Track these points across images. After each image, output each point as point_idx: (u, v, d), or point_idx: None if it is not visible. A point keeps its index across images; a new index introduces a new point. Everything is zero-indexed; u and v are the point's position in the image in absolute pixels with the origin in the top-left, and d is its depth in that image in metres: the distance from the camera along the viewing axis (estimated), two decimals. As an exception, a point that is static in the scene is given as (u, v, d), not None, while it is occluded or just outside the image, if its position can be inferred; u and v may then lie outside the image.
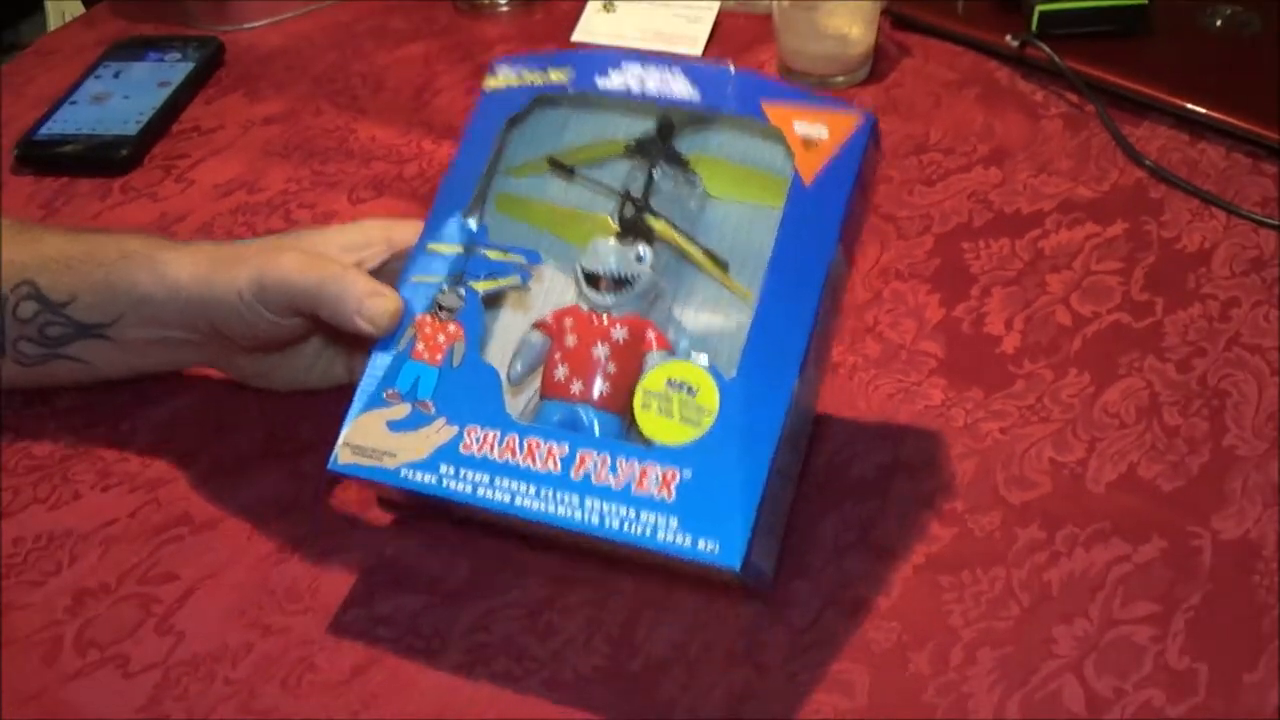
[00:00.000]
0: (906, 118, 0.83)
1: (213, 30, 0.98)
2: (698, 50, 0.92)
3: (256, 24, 1.00)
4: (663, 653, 0.52)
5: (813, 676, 0.51)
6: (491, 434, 0.49)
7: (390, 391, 0.50)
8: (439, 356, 0.51)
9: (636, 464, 0.47)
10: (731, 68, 0.53)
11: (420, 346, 0.51)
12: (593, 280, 0.52)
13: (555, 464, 0.48)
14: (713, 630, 0.53)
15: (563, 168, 0.56)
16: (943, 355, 0.65)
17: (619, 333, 0.51)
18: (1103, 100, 0.81)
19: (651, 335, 0.52)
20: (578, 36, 0.95)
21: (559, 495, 0.47)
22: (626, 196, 0.53)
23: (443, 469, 0.49)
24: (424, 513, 0.57)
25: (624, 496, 0.46)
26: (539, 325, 0.53)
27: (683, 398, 0.48)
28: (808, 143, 0.51)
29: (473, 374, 0.50)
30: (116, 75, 0.91)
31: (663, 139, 0.54)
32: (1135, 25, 0.86)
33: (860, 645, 0.52)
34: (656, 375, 0.49)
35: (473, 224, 0.54)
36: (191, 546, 0.58)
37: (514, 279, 0.53)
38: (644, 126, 0.55)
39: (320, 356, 0.61)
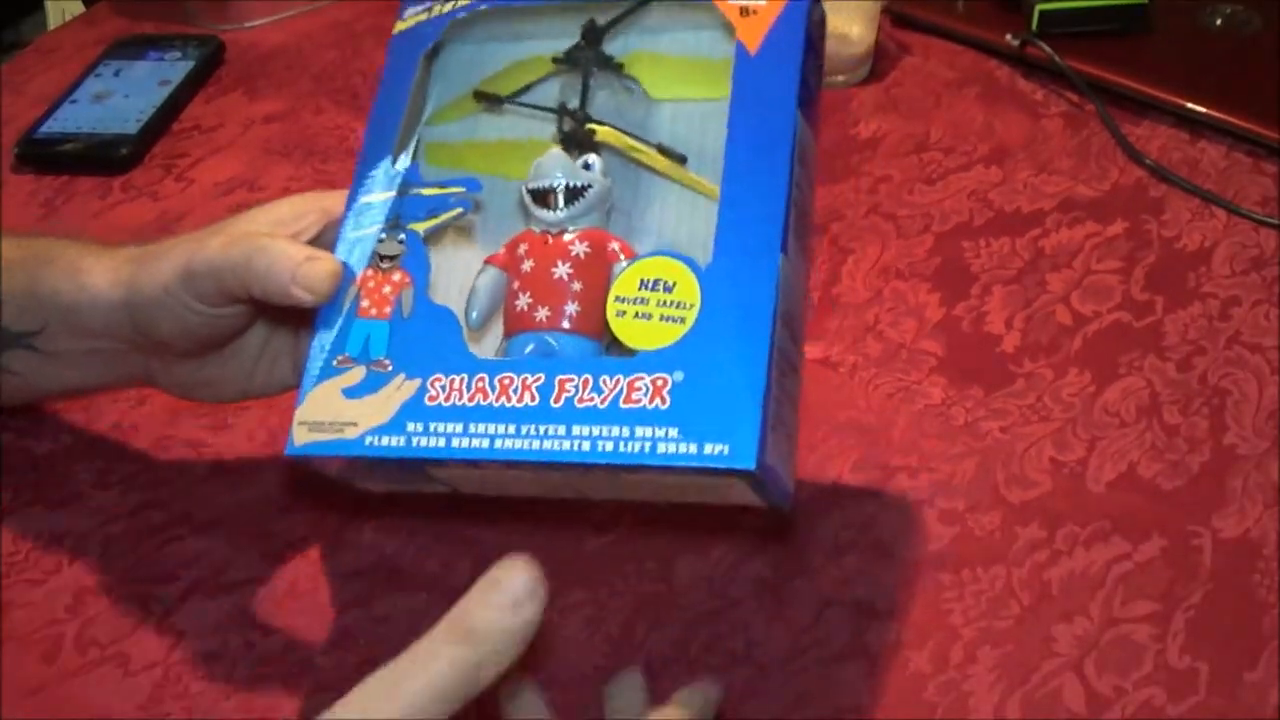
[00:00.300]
0: (906, 117, 0.83)
1: (213, 29, 0.98)
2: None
3: (257, 23, 1.00)
4: (663, 652, 0.52)
5: (813, 676, 0.51)
6: (458, 379, 0.44)
7: (341, 357, 0.46)
8: (387, 309, 0.46)
9: (622, 378, 0.42)
10: None
11: (366, 303, 0.47)
12: (541, 197, 0.47)
13: (532, 396, 0.43)
14: (713, 630, 0.53)
15: (489, 97, 0.52)
16: (943, 354, 0.65)
17: (579, 248, 0.47)
18: (1103, 99, 0.81)
19: (615, 245, 0.47)
20: (578, 35, 0.95)
21: (542, 430, 0.42)
22: (563, 110, 0.50)
23: (410, 427, 0.44)
24: (407, 502, 0.53)
25: (613, 415, 0.42)
26: (490, 260, 0.49)
27: (660, 296, 0.44)
28: (745, 10, 0.47)
29: (426, 320, 0.46)
30: (117, 74, 0.91)
31: (590, 44, 0.50)
32: (1135, 24, 0.86)
33: (860, 645, 0.52)
34: (628, 278, 0.45)
35: (401, 165, 0.50)
36: (191, 546, 0.58)
37: (455, 211, 0.48)
38: (567, 40, 0.51)
39: (263, 354, 0.56)
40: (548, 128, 0.51)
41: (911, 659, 0.51)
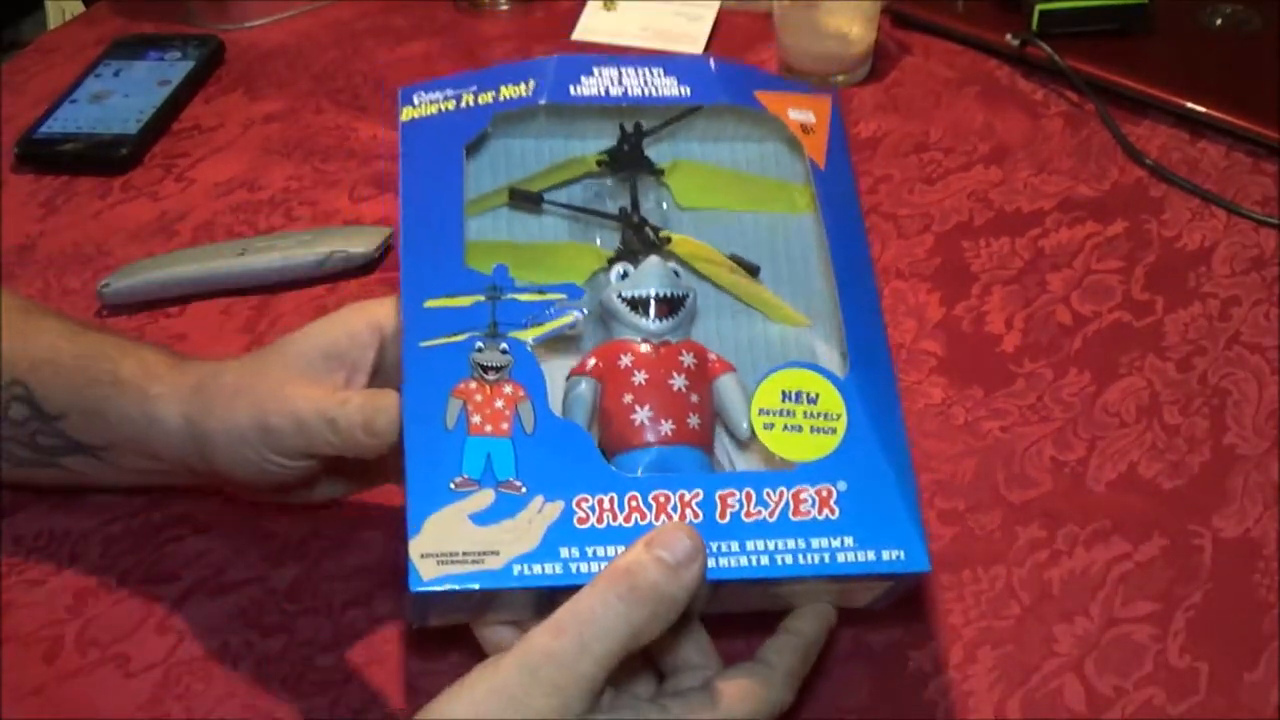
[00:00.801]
0: (907, 116, 0.83)
1: (213, 29, 0.98)
2: (698, 49, 0.92)
3: (257, 22, 0.99)
4: (663, 652, 0.52)
5: (813, 676, 0.51)
6: (606, 499, 0.41)
7: (459, 480, 0.41)
8: (505, 425, 0.42)
9: (785, 490, 0.42)
10: (711, 61, 0.51)
11: (477, 419, 0.42)
12: (642, 306, 0.46)
13: (694, 513, 0.42)
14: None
15: (527, 196, 0.50)
16: (943, 354, 0.65)
17: (687, 359, 0.46)
18: (1103, 99, 0.81)
19: (713, 357, 0.47)
20: (578, 35, 0.95)
21: (715, 546, 0.41)
22: (627, 217, 0.49)
23: (564, 553, 0.40)
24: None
25: (785, 528, 0.42)
26: (580, 372, 0.46)
27: (806, 408, 0.44)
28: (805, 128, 0.50)
29: (553, 435, 0.43)
30: (117, 74, 0.91)
31: (631, 146, 0.50)
32: (1135, 24, 0.86)
33: (860, 645, 0.52)
34: (767, 390, 0.44)
35: (482, 266, 0.46)
36: (191, 546, 0.58)
37: (570, 317, 0.45)
38: (597, 140, 0.51)
39: (329, 482, 0.55)
40: (586, 230, 0.51)
41: (911, 659, 0.51)
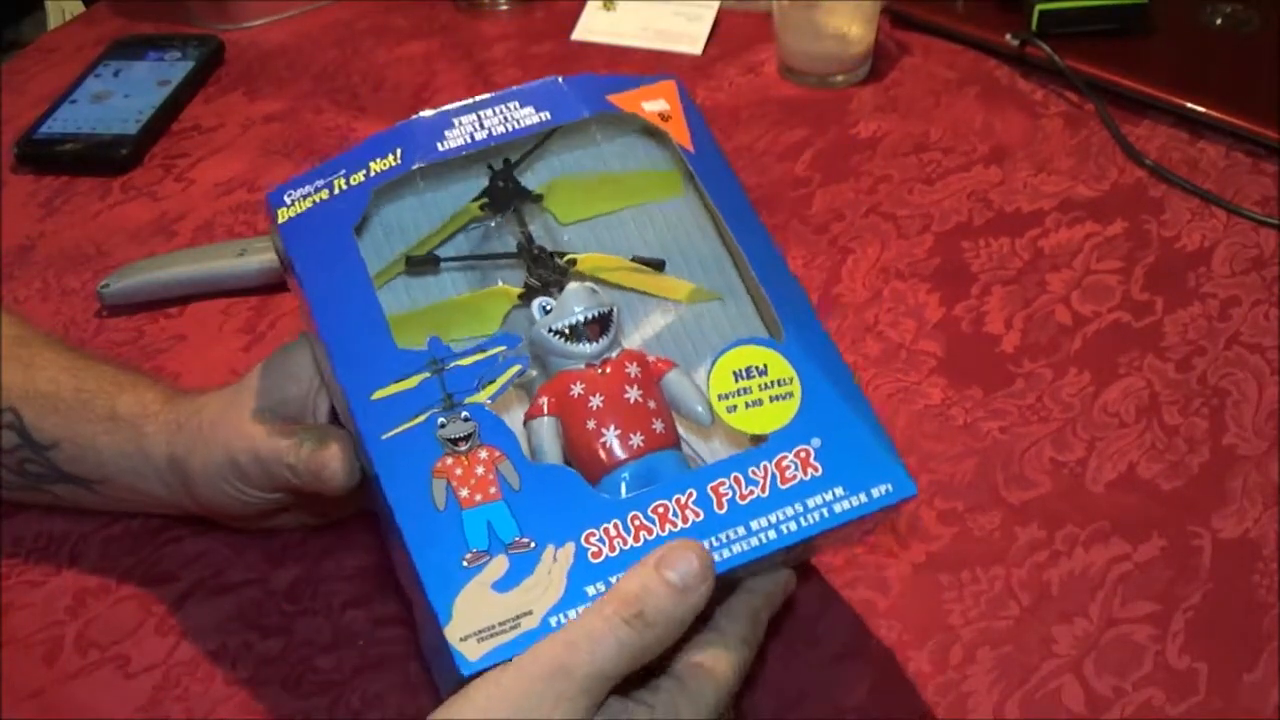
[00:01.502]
0: (906, 117, 0.83)
1: (213, 29, 0.98)
2: (698, 49, 0.92)
3: (256, 22, 1.00)
4: (663, 652, 0.52)
5: (813, 676, 0.51)
6: (611, 526, 0.42)
7: (469, 555, 0.42)
8: (493, 490, 0.43)
9: (767, 464, 0.44)
10: (559, 79, 0.51)
11: (465, 492, 0.43)
12: (574, 333, 0.46)
13: (695, 513, 0.43)
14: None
15: (424, 260, 0.51)
16: (942, 354, 0.65)
17: (632, 369, 0.47)
18: (1103, 99, 0.81)
19: (652, 359, 0.48)
20: (577, 35, 0.95)
21: (725, 536, 0.42)
22: (527, 249, 0.50)
23: (591, 591, 0.41)
24: None
25: (780, 498, 0.43)
26: (534, 414, 0.46)
27: (760, 381, 0.45)
28: (663, 116, 0.51)
29: (541, 484, 0.43)
30: (116, 74, 0.91)
31: (506, 179, 0.51)
32: (1135, 24, 0.86)
33: (860, 645, 0.52)
34: (719, 375, 0.46)
35: (409, 340, 0.46)
36: (191, 546, 0.58)
37: (514, 369, 0.46)
38: (475, 185, 0.52)
39: (310, 509, 0.57)
40: (480, 276, 0.51)
41: (911, 659, 0.51)
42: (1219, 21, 0.87)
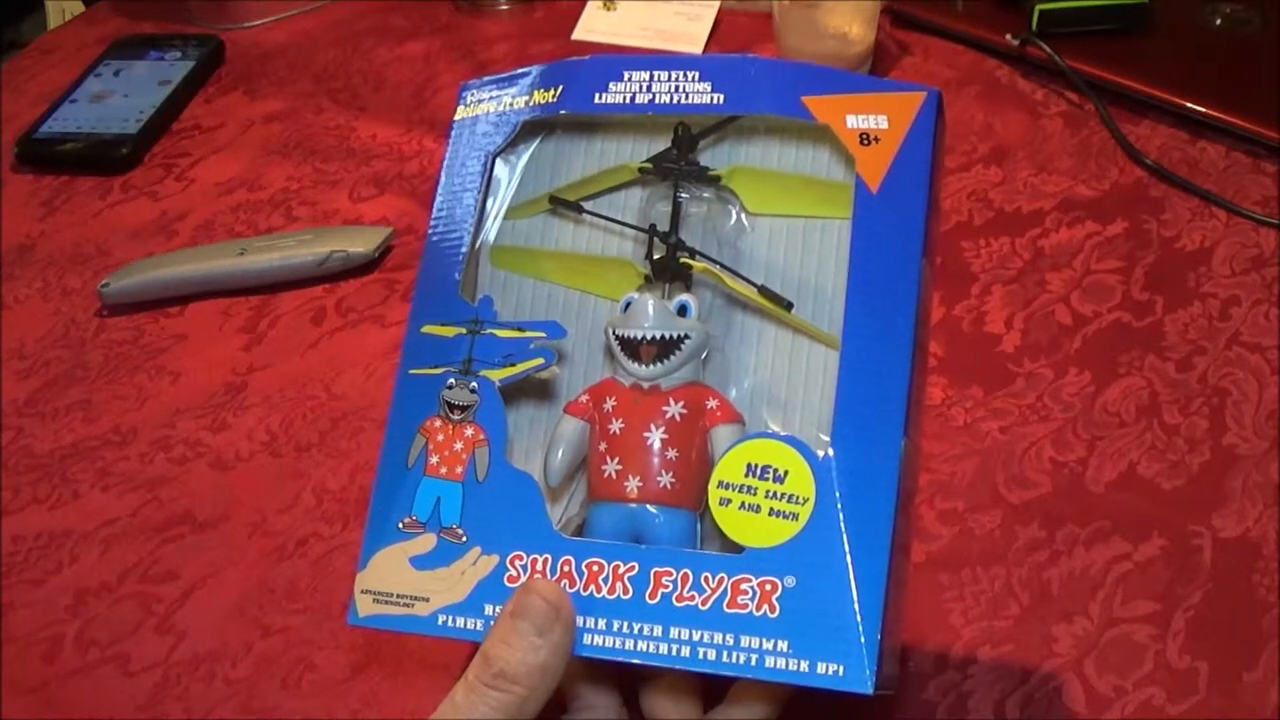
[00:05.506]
0: (907, 116, 0.83)
1: (213, 28, 0.98)
2: (698, 49, 0.92)
3: (257, 22, 1.00)
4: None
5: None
6: (540, 559, 0.40)
7: (407, 520, 0.41)
8: (459, 469, 0.41)
9: (725, 577, 0.38)
10: (754, 58, 0.44)
11: (435, 459, 0.42)
12: (631, 348, 0.42)
13: (625, 588, 0.39)
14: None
15: (567, 205, 0.47)
16: (943, 354, 0.65)
17: (674, 409, 0.42)
18: (1103, 99, 0.81)
19: (713, 404, 0.43)
20: (578, 35, 0.95)
21: (636, 627, 0.38)
22: (653, 232, 0.45)
23: (488, 610, 0.39)
24: None
25: (715, 619, 0.38)
26: (571, 410, 0.44)
27: (769, 486, 0.39)
28: (866, 138, 0.41)
29: (504, 486, 0.41)
30: (117, 74, 0.91)
31: (682, 154, 0.45)
32: (1135, 24, 0.86)
33: (860, 644, 0.52)
34: (732, 461, 0.40)
35: (471, 296, 0.45)
36: (191, 546, 0.58)
37: (535, 361, 0.43)
38: (658, 142, 0.46)
39: None
40: (630, 243, 0.47)
41: (911, 658, 0.51)
42: (1219, 21, 0.87)
